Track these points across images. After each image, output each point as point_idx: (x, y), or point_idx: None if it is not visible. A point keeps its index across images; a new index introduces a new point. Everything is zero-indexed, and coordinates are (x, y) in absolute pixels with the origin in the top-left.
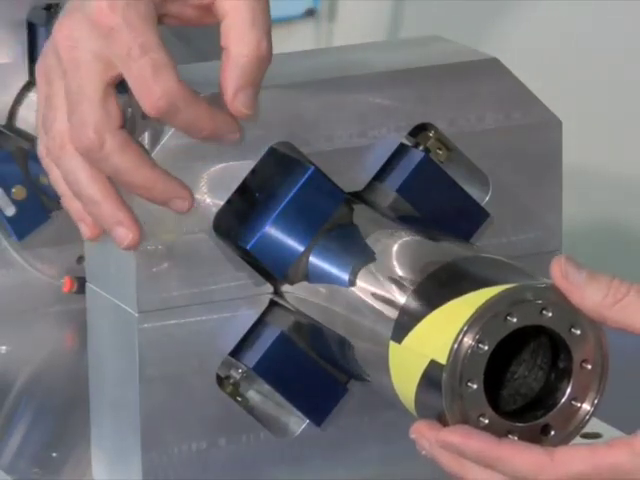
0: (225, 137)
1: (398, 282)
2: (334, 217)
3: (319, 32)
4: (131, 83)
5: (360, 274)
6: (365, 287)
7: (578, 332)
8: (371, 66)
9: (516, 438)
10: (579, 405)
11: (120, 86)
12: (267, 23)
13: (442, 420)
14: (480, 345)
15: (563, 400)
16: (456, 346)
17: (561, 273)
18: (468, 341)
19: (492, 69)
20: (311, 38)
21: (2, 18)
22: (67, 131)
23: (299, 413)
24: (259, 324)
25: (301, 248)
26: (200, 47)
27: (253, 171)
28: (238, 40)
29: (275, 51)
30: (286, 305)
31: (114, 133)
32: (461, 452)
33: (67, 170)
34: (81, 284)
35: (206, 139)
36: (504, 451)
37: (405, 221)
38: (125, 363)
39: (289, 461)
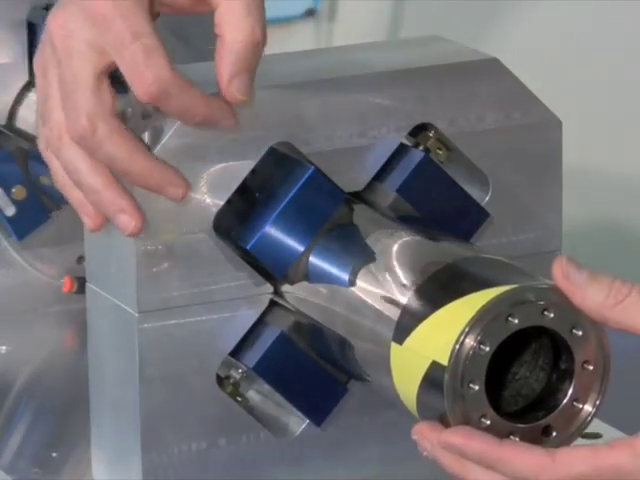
0: (220, 123)
1: (398, 282)
2: (334, 217)
3: (319, 32)
4: (124, 70)
5: (360, 274)
6: (365, 287)
7: (579, 333)
8: (371, 66)
9: (517, 439)
10: (580, 406)
11: (120, 86)
12: (261, 9)
13: (444, 421)
14: (481, 346)
15: (565, 401)
16: (458, 347)
17: (562, 274)
18: (470, 342)
19: (492, 69)
20: (311, 38)
21: (2, 18)
22: (64, 121)
23: (299, 413)
24: (259, 324)
25: (301, 248)
26: (199, 47)
27: (253, 171)
28: (232, 27)
29: (275, 51)
30: (286, 305)
31: (107, 120)
32: (463, 453)
33: (66, 160)
34: (81, 284)
35: (201, 125)
36: (505, 452)
37: (405, 221)
38: (125, 363)
39: (289, 461)
